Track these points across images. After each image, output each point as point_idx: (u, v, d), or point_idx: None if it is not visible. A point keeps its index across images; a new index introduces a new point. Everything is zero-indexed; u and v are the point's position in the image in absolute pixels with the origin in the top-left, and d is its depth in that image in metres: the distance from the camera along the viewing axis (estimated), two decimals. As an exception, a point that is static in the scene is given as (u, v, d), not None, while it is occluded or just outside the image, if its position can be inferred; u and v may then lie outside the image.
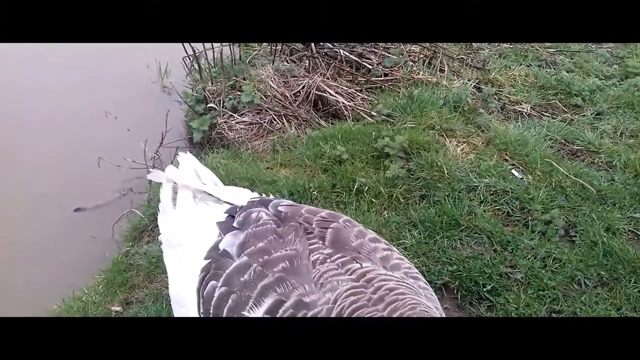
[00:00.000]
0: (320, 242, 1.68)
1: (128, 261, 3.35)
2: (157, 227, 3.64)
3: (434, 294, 1.74)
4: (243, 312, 1.53)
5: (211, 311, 1.59)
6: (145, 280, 3.16)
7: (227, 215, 1.85)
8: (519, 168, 3.77)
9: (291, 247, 1.64)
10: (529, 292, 2.97)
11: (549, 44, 5.36)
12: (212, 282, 1.64)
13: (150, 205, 3.78)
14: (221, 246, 1.72)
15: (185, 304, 1.75)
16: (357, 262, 1.62)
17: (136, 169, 4.10)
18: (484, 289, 2.97)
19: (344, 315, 1.45)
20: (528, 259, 3.12)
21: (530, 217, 3.36)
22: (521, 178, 3.66)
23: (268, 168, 3.86)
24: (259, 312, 1.51)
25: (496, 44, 5.32)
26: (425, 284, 1.74)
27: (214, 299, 1.60)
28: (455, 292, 2.99)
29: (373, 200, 3.45)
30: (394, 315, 1.46)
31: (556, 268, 3.12)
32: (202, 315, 1.64)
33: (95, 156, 4.11)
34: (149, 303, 2.90)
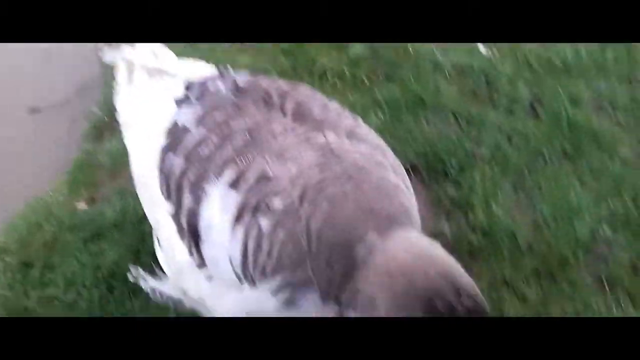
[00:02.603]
0: (281, 112, 1.58)
1: (90, 160, 3.27)
2: (117, 123, 3.57)
3: (402, 169, 1.67)
4: (204, 186, 1.47)
5: (172, 186, 1.55)
6: (110, 177, 3.09)
7: (184, 89, 1.75)
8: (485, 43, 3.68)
9: (251, 118, 1.55)
10: (495, 168, 3.00)
11: None
12: (171, 157, 1.57)
13: (107, 102, 3.64)
14: (178, 120, 1.63)
15: (148, 182, 1.70)
16: (321, 135, 1.53)
17: (92, 63, 3.90)
18: (451, 168, 2.98)
19: (309, 192, 1.40)
20: (494, 135, 3.12)
21: (496, 94, 3.33)
22: (487, 53, 3.59)
23: (226, 51, 3.69)
24: (220, 185, 1.45)
25: None
26: (394, 158, 1.68)
27: (174, 174, 1.55)
28: (421, 172, 3.00)
29: (337, 82, 3.36)
30: (357, 190, 1.42)
31: (521, 143, 3.14)
32: (164, 193, 1.59)
33: (44, 51, 3.88)
34: (115, 199, 2.86)
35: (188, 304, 1.71)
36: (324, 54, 3.49)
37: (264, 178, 1.43)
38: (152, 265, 2.21)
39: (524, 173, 2.97)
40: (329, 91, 3.30)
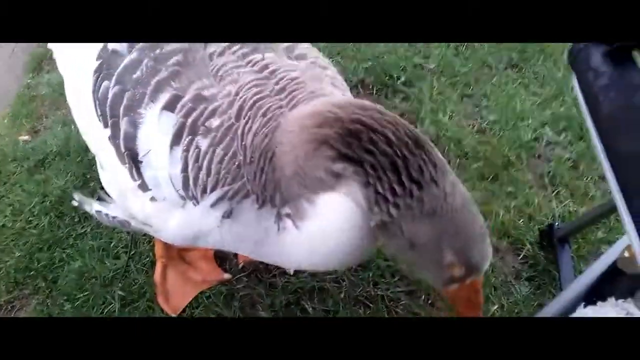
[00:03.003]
0: None
1: (31, 93, 3.18)
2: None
3: (343, 82, 1.66)
4: (139, 110, 1.44)
5: (107, 112, 1.50)
6: (51, 108, 3.02)
7: None
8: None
9: None
10: (442, 80, 3.02)
11: None
12: (105, 83, 1.52)
13: (46, 32, 3.51)
14: (109, 45, 1.57)
15: (83, 108, 1.64)
16: (258, 53, 1.50)
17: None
18: (399, 81, 2.99)
19: (246, 108, 1.39)
20: (441, 48, 3.13)
21: (442, 6, 3.30)
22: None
23: None
24: (155, 109, 1.42)
25: None
26: (334, 72, 1.67)
27: (108, 99, 1.50)
28: (370, 87, 3.00)
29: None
30: (294, 104, 1.42)
31: (468, 54, 3.16)
32: (100, 119, 1.56)
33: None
34: (58, 129, 2.80)
35: (135, 225, 1.70)
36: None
37: (200, 99, 1.41)
38: (100, 190, 2.21)
39: (471, 83, 3.00)
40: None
